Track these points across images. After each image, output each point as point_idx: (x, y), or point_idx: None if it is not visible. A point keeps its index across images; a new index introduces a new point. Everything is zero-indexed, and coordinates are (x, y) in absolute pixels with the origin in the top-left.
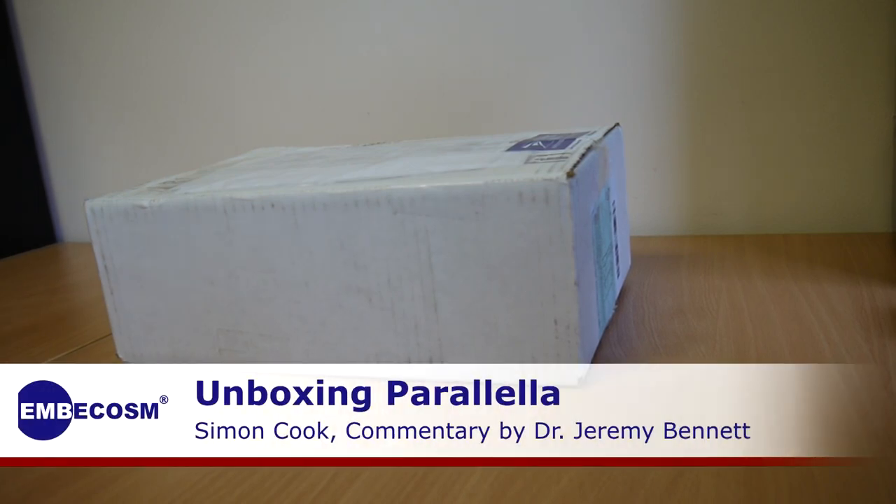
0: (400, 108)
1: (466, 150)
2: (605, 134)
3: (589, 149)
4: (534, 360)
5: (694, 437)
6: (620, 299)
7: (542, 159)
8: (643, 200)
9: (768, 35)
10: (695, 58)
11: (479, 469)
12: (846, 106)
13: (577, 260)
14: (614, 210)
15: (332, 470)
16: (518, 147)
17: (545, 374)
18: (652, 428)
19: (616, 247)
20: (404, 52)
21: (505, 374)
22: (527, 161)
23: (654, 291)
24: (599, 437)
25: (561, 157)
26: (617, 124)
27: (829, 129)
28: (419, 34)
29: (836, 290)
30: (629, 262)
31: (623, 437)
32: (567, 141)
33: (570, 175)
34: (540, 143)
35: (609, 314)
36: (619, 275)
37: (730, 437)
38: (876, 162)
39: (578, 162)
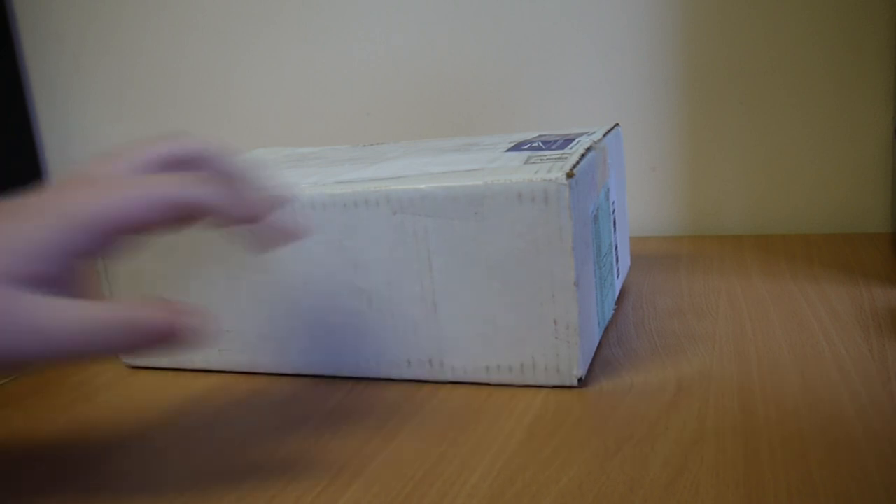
0: (400, 108)
1: (466, 150)
2: (605, 134)
3: (588, 149)
4: (533, 361)
5: (693, 436)
6: (620, 299)
7: (541, 159)
8: (643, 200)
9: (768, 35)
10: (694, 58)
11: (479, 469)
12: (846, 106)
13: (577, 260)
14: (614, 210)
15: (332, 470)
16: (517, 147)
17: (545, 374)
18: (651, 428)
19: (616, 247)
20: (404, 53)
21: (504, 374)
22: (526, 161)
23: (653, 292)
24: (599, 436)
25: (560, 158)
26: (616, 125)
27: (829, 130)
28: (419, 34)
29: (836, 290)
30: (629, 263)
31: (622, 437)
32: (567, 141)
33: (569, 175)
34: (539, 143)
35: (609, 314)
36: (618, 275)
37: (729, 437)
38: (876, 162)
39: (578, 162)
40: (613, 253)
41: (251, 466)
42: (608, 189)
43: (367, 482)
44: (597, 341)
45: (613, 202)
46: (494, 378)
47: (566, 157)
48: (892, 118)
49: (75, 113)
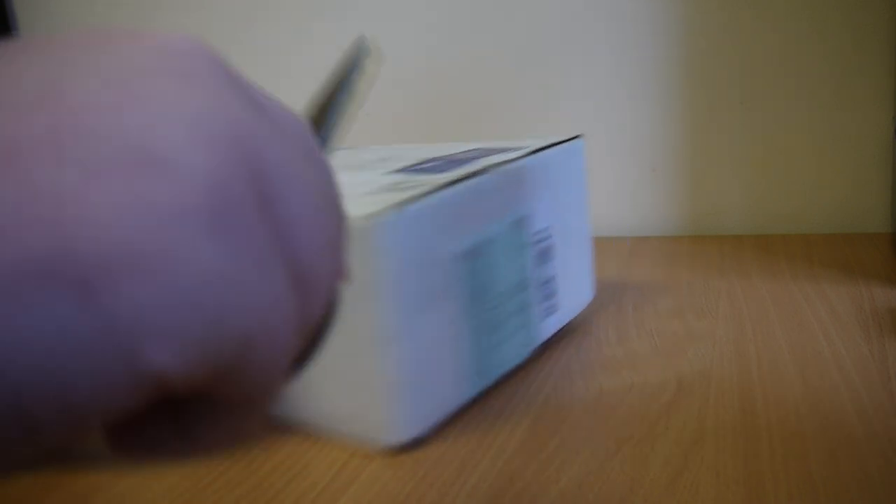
0: (399, 109)
1: (368, 167)
2: (542, 149)
3: (466, 177)
4: (356, 419)
5: (693, 436)
6: (620, 300)
7: (405, 187)
8: (643, 200)
9: (768, 35)
10: (695, 58)
11: (478, 469)
12: (846, 106)
13: (403, 309)
14: (543, 240)
15: (332, 470)
16: (407, 169)
17: (365, 430)
18: (651, 428)
19: (548, 281)
20: (403, 53)
21: (324, 425)
22: (391, 188)
23: (653, 292)
24: (599, 436)
25: (416, 186)
26: (576, 136)
27: (829, 130)
28: (418, 35)
29: (836, 290)
30: (589, 292)
31: (622, 437)
32: (464, 161)
33: (394, 209)
34: (441, 163)
35: (513, 361)
36: (555, 311)
37: (729, 437)
38: (876, 162)
39: (425, 194)
40: (533, 289)
41: (251, 466)
42: (523, 217)
43: (368, 482)
44: (465, 396)
45: (544, 230)
46: (312, 428)
47: (419, 187)
48: (892, 118)
49: None
